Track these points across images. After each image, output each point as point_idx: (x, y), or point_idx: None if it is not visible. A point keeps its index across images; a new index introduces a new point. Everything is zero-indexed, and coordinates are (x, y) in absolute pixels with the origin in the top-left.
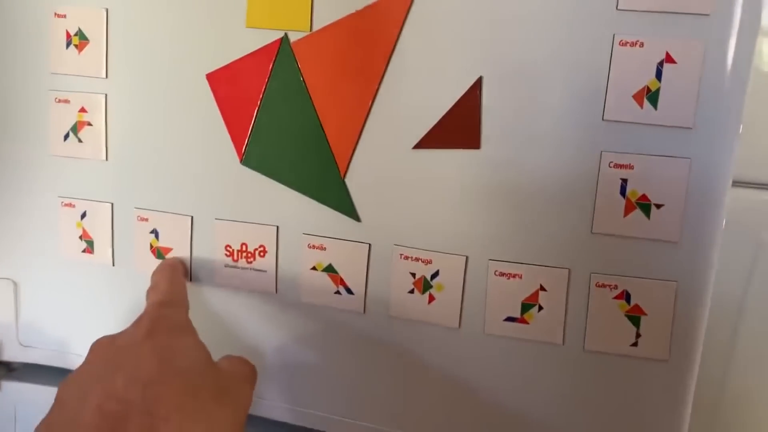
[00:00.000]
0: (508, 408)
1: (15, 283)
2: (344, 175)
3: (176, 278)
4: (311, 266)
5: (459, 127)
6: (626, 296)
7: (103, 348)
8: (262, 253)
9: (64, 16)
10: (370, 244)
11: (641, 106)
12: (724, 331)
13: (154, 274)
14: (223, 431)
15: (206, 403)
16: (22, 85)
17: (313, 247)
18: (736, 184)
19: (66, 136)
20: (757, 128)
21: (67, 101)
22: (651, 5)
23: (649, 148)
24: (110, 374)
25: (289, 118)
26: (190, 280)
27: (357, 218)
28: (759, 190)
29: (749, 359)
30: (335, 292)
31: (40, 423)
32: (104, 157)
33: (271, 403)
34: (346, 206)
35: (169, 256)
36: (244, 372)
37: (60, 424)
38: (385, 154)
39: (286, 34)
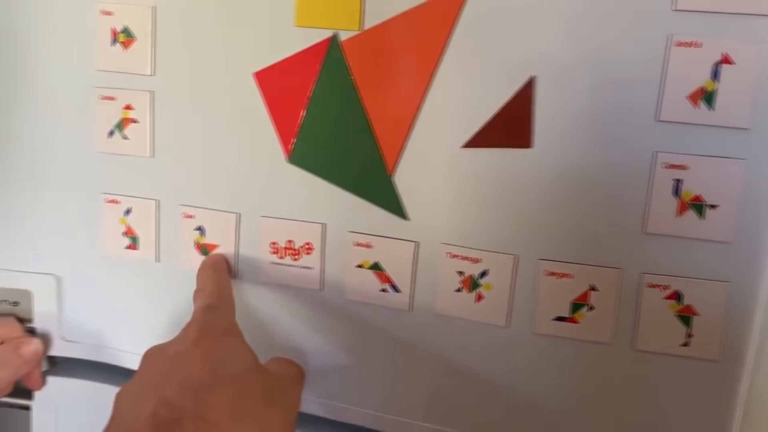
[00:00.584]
0: (555, 407)
1: (58, 279)
2: (392, 173)
3: (222, 280)
4: (357, 264)
5: (510, 126)
6: (678, 296)
7: (154, 357)
8: (308, 251)
9: (111, 14)
10: (417, 243)
11: (697, 106)
12: None
13: (200, 273)
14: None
15: (257, 406)
16: (67, 82)
17: (360, 245)
18: None
19: (111, 133)
20: None
21: (112, 98)
22: (708, 6)
23: (704, 148)
24: (163, 382)
25: (337, 117)
26: (235, 277)
27: (404, 216)
28: None
29: None
30: (381, 290)
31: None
32: (150, 154)
33: (313, 399)
34: (393, 204)
35: (214, 252)
36: (291, 374)
37: None
38: (434, 152)
39: (335, 33)
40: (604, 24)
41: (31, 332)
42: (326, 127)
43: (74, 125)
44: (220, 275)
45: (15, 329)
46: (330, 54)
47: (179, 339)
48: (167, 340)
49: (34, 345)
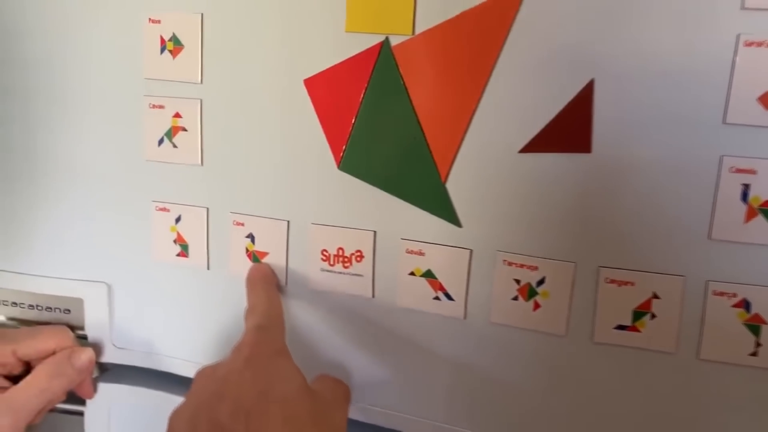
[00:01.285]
0: (617, 417)
1: (109, 286)
2: (445, 180)
3: (273, 299)
4: (409, 271)
5: (569, 130)
6: (746, 305)
7: (206, 378)
8: (358, 258)
9: (159, 22)
10: (471, 250)
11: (767, 108)
12: None
13: (250, 289)
14: None
15: (305, 429)
16: (116, 90)
17: (412, 252)
18: None
19: (161, 141)
20: None
21: (161, 107)
22: None
23: None
24: (215, 404)
25: (388, 123)
26: (285, 284)
27: (458, 224)
28: None
29: None
30: (434, 298)
31: None
32: (199, 162)
33: (365, 407)
34: (446, 211)
35: (265, 260)
36: (338, 395)
37: None
38: (489, 157)
39: (387, 38)
40: (667, 24)
41: (83, 340)
42: (377, 134)
43: (125, 133)
44: (271, 294)
45: (67, 338)
46: (381, 59)
47: (231, 359)
48: (218, 356)
49: (87, 354)
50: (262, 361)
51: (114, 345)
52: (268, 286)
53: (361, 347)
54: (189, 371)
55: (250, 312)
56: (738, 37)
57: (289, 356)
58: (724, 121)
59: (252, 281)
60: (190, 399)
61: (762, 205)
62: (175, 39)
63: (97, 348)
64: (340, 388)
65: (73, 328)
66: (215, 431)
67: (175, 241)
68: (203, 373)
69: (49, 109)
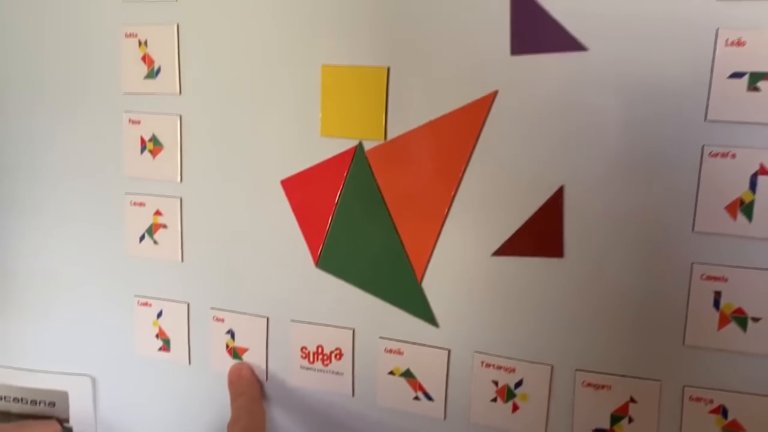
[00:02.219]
0: None
1: (93, 379)
2: (421, 280)
3: (254, 410)
4: (389, 370)
5: (541, 235)
6: (723, 411)
7: None
8: (338, 356)
9: (139, 122)
10: (449, 350)
11: (734, 218)
12: None
13: (233, 398)
14: None
15: None
16: (99, 188)
17: (391, 351)
18: None
19: (142, 238)
20: None
21: (142, 204)
22: (743, 116)
23: (744, 260)
24: None
25: (363, 223)
26: (266, 380)
27: (435, 323)
28: None
29: None
30: (414, 398)
31: None
32: (180, 259)
33: None
34: (423, 311)
35: (245, 356)
36: None
37: None
38: (463, 260)
39: (360, 143)
40: (636, 133)
41: None
42: (353, 234)
43: (107, 230)
44: (253, 405)
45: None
46: (355, 162)
47: None
48: None
49: None
50: None
51: None
52: (250, 394)
53: None
54: None
55: (232, 425)
56: (702, 148)
57: None
58: (693, 230)
59: (233, 386)
60: None
61: (734, 312)
62: (154, 139)
63: None
64: None
65: (58, 421)
66: None
67: (157, 336)
68: None
69: (33, 217)
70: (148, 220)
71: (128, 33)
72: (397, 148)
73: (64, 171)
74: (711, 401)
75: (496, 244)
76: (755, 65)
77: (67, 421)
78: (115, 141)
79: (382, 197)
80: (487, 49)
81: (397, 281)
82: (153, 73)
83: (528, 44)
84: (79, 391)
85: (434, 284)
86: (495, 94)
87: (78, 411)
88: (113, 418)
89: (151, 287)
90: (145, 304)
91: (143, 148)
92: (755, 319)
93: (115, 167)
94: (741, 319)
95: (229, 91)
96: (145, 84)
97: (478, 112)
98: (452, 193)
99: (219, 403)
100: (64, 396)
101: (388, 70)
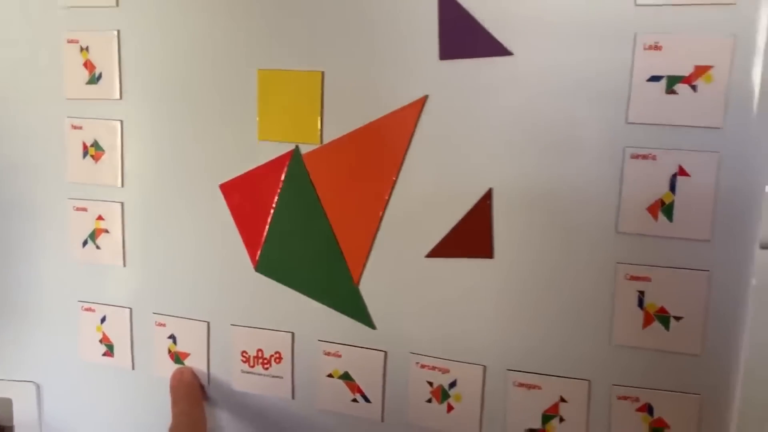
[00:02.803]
0: None
1: (38, 386)
2: (358, 283)
3: (196, 415)
4: (327, 373)
5: (471, 236)
6: (649, 409)
7: None
8: (277, 360)
9: (81, 128)
10: (386, 352)
11: (656, 218)
12: None
13: (174, 403)
14: None
15: None
16: (42, 193)
17: (329, 354)
18: None
19: (84, 243)
20: None
21: (84, 209)
22: (662, 119)
23: (666, 260)
24: None
25: (301, 227)
26: (208, 384)
27: (372, 325)
28: None
29: None
30: (352, 400)
31: None
32: (122, 264)
33: None
34: (360, 313)
35: (186, 361)
36: None
37: None
38: (398, 262)
39: (297, 147)
40: (561, 135)
41: None
42: (291, 238)
43: (51, 235)
44: (194, 411)
45: None
46: (292, 166)
47: None
48: None
49: None
50: None
51: None
52: (191, 398)
53: None
54: None
55: (173, 430)
56: (624, 150)
57: None
58: (616, 230)
59: (175, 391)
60: None
61: (658, 311)
62: (96, 144)
63: None
64: None
65: (2, 428)
66: None
67: (100, 341)
68: None
69: None
70: (91, 225)
71: (70, 39)
72: (333, 151)
73: (6, 175)
74: (637, 399)
75: (430, 246)
76: (672, 69)
77: (12, 428)
78: (58, 146)
79: (319, 201)
80: (417, 55)
81: (335, 284)
82: (94, 79)
83: (456, 49)
84: (23, 397)
85: (370, 286)
86: (425, 99)
87: (22, 418)
88: (58, 424)
89: (94, 292)
90: (89, 309)
91: (85, 153)
92: (677, 318)
93: (57, 172)
94: (664, 318)
95: (169, 96)
96: (87, 89)
97: (409, 116)
98: (386, 197)
99: (162, 407)
100: (7, 403)
101: (323, 74)
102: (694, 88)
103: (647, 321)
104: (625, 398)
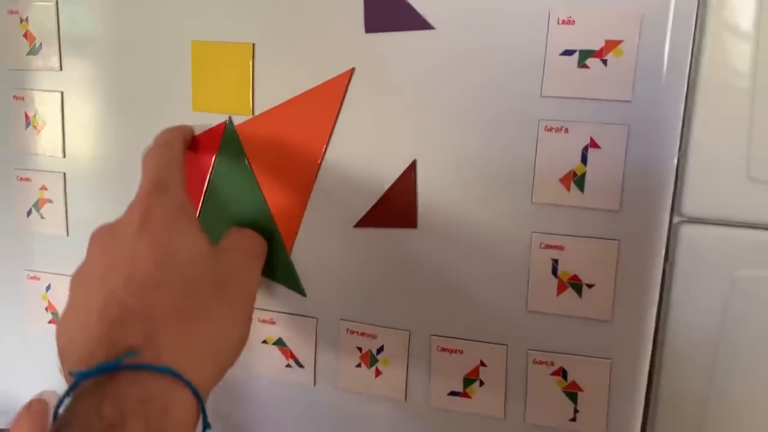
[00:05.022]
0: None
1: None
2: (290, 252)
3: (170, 156)
4: (262, 339)
5: (396, 207)
6: (563, 373)
7: (102, 239)
8: None
9: (23, 99)
10: (317, 318)
11: (568, 189)
12: (701, 374)
13: (145, 157)
14: (227, 324)
15: (207, 301)
16: None
17: (264, 321)
18: (708, 221)
19: (29, 213)
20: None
21: (28, 179)
22: (573, 92)
23: (578, 229)
24: (110, 274)
25: (236, 197)
26: None
27: (303, 293)
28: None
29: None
30: (286, 365)
31: (60, 317)
32: (65, 233)
33: None
34: (292, 281)
35: None
36: (247, 250)
37: (73, 326)
38: (328, 232)
39: (230, 117)
40: (479, 108)
41: None
42: (226, 207)
43: None
44: (168, 153)
45: None
46: (226, 137)
47: (125, 222)
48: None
49: None
50: (157, 227)
51: None
52: (164, 147)
53: (217, 415)
54: None
55: (143, 169)
56: (539, 122)
57: (189, 216)
58: (531, 201)
59: (149, 149)
60: (87, 264)
61: (571, 278)
62: (38, 115)
63: None
64: (249, 242)
65: None
66: (112, 305)
67: (46, 309)
68: (98, 234)
69: None
70: (35, 195)
71: (10, 10)
72: (264, 123)
73: None
74: (552, 363)
75: (358, 217)
76: (584, 43)
77: None
78: (2, 117)
79: (252, 172)
80: (344, 28)
81: (269, 253)
82: (35, 50)
83: (380, 23)
84: None
85: (302, 255)
86: (352, 71)
87: None
88: (5, 390)
89: (39, 261)
90: (34, 278)
91: (27, 124)
92: (589, 285)
93: (2, 143)
94: (577, 285)
95: (107, 67)
96: (28, 60)
97: (336, 88)
98: (316, 169)
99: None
100: None
101: (254, 46)
102: (604, 62)
103: (561, 288)
104: (541, 362)
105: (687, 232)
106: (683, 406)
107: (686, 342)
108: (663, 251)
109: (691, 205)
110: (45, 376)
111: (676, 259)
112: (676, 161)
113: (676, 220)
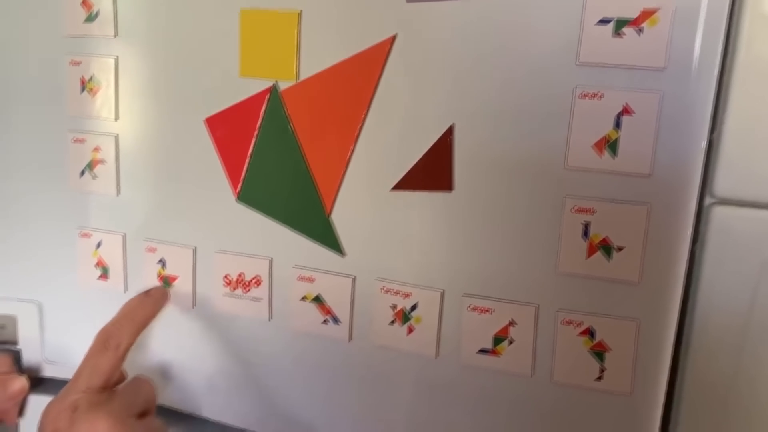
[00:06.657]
0: None
1: (40, 305)
2: (330, 213)
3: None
4: (301, 296)
5: (433, 170)
6: (590, 333)
7: (45, 415)
8: (257, 283)
9: (79, 64)
10: (354, 277)
11: (601, 154)
12: (730, 353)
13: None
14: None
15: None
16: (43, 126)
17: (303, 278)
18: (740, 204)
19: (82, 173)
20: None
21: (82, 141)
22: (609, 59)
23: (610, 193)
24: None
25: (279, 160)
26: (193, 306)
27: (342, 253)
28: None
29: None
30: (323, 322)
31: None
32: (116, 193)
33: (262, 420)
34: (331, 242)
35: (175, 284)
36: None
37: None
38: (366, 194)
39: (275, 83)
40: (515, 76)
41: (17, 358)
42: (270, 170)
43: (51, 165)
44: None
45: (5, 364)
46: (271, 102)
47: (59, 406)
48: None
49: (20, 383)
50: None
51: (46, 359)
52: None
53: (260, 367)
54: None
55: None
56: (574, 89)
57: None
58: (565, 166)
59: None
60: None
61: (601, 242)
62: (93, 79)
63: (31, 364)
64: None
65: (7, 342)
66: None
67: (96, 265)
68: (47, 408)
69: None
70: (88, 156)
71: None
72: (308, 88)
73: (7, 107)
74: (580, 324)
75: (395, 180)
76: (620, 12)
77: (16, 343)
78: (58, 81)
79: (296, 135)
80: None
81: (309, 213)
82: (92, 17)
83: None
84: (27, 316)
85: (342, 217)
86: (394, 38)
87: (26, 334)
88: (59, 341)
89: (91, 219)
90: (86, 235)
91: (83, 88)
92: (619, 249)
93: (58, 106)
94: (607, 248)
95: (161, 35)
96: (85, 27)
97: (378, 55)
98: (356, 132)
99: (153, 326)
100: (12, 320)
101: (300, 14)
102: (639, 30)
103: (591, 251)
104: (569, 323)
105: (719, 213)
106: (711, 377)
107: (715, 324)
108: (692, 217)
109: (723, 187)
110: (96, 329)
111: (707, 241)
112: (708, 129)
113: (707, 201)
